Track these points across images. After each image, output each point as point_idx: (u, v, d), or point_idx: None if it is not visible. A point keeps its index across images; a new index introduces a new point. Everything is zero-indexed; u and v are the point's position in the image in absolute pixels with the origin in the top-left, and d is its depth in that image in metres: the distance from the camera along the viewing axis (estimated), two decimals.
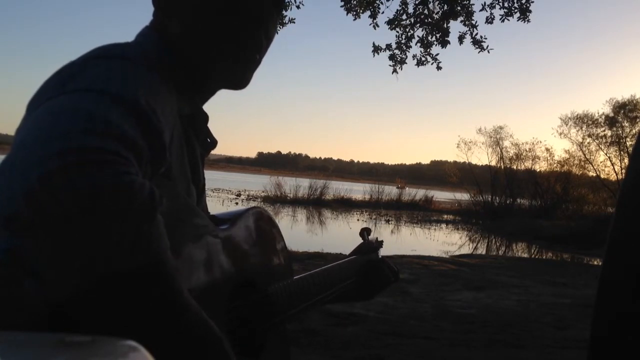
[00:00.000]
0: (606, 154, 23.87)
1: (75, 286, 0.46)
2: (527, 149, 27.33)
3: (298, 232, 15.40)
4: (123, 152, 0.50)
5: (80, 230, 0.46)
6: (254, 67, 0.80)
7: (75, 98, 0.55)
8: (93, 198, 0.46)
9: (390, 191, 33.06)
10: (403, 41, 8.52)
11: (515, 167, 27.56)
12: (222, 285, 0.72)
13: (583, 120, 24.23)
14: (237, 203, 23.93)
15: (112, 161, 0.49)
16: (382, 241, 1.39)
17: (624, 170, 20.56)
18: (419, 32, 8.45)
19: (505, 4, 8.06)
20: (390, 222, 21.59)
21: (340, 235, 15.87)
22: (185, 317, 0.52)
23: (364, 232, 1.36)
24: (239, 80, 0.79)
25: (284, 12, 7.88)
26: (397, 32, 8.50)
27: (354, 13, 8.24)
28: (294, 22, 8.03)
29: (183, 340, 0.52)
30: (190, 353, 0.53)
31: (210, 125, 0.84)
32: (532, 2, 7.91)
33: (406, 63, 8.61)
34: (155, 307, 0.50)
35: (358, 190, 33.84)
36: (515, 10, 8.01)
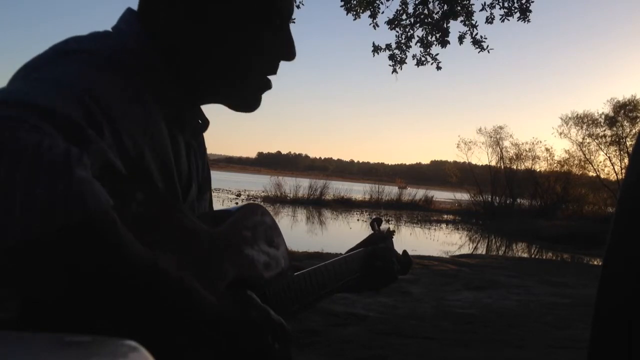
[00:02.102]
0: (606, 154, 23.93)
1: None
2: (527, 149, 27.40)
3: (298, 232, 15.40)
4: (32, 120, 0.48)
5: None
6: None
7: (17, 83, 0.56)
8: None
9: (390, 191, 33.08)
10: (403, 41, 8.53)
11: (515, 167, 27.61)
12: (211, 285, 0.71)
13: (583, 120, 24.28)
14: (237, 203, 23.81)
15: (12, 125, 0.47)
16: (393, 231, 1.34)
17: (624, 170, 20.57)
18: (419, 32, 8.47)
19: (505, 4, 8.07)
20: (390, 222, 21.59)
21: (340, 235, 15.86)
22: (127, 272, 0.50)
23: (375, 223, 1.29)
24: (255, 104, 0.80)
25: None
26: (397, 32, 8.52)
27: (354, 13, 8.25)
28: (294, 22, 8.02)
29: (130, 295, 0.51)
30: (142, 305, 0.52)
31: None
32: (532, 2, 7.92)
33: (406, 63, 8.63)
34: (91, 266, 0.48)
35: (358, 190, 33.84)
36: (515, 10, 8.02)
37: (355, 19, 8.26)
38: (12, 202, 0.44)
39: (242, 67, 0.76)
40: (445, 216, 28.62)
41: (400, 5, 8.42)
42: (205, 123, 0.83)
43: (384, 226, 1.32)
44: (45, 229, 0.44)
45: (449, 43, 8.18)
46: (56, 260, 0.46)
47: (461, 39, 8.28)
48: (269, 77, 0.79)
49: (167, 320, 0.55)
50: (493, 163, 27.91)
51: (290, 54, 0.79)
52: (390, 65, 8.60)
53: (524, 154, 27.43)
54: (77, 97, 0.54)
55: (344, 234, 16.34)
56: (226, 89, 0.78)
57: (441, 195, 38.10)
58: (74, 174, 0.46)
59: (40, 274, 0.47)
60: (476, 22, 8.22)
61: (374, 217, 1.33)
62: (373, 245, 1.23)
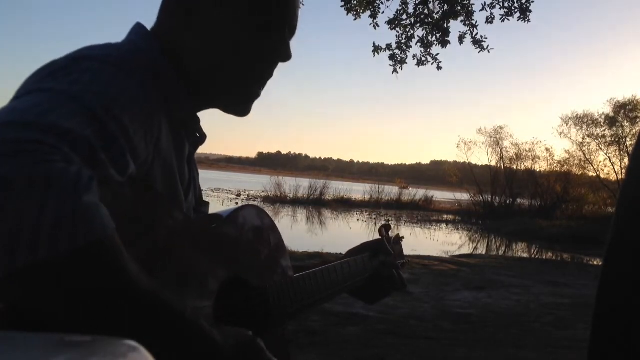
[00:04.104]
0: (606, 154, 23.90)
1: (2, 274, 0.45)
2: (527, 149, 27.35)
3: (298, 232, 15.39)
4: (48, 140, 0.50)
5: None
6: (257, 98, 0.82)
7: (31, 97, 0.56)
8: (2, 190, 0.45)
9: (390, 191, 33.05)
10: (403, 41, 8.53)
11: (515, 167, 27.56)
12: (208, 284, 0.71)
13: (583, 120, 24.26)
14: (237, 203, 23.90)
15: (28, 149, 0.48)
16: (402, 237, 1.30)
17: (624, 170, 20.56)
18: (419, 32, 8.47)
19: (505, 4, 8.07)
20: (390, 222, 21.52)
21: (340, 235, 15.86)
22: (130, 295, 0.51)
23: (383, 229, 1.25)
24: (244, 110, 0.82)
25: None
26: (397, 32, 8.51)
27: (354, 13, 8.24)
28: None
29: (132, 318, 0.51)
30: (142, 329, 0.52)
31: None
32: (532, 2, 7.92)
33: (406, 63, 8.62)
34: (93, 290, 0.49)
35: (358, 190, 33.82)
36: (515, 10, 8.01)
37: (355, 19, 8.26)
38: (22, 225, 0.45)
39: (243, 71, 0.77)
40: (445, 216, 28.60)
41: (400, 5, 8.42)
42: (202, 137, 0.84)
43: (392, 233, 1.29)
44: (51, 252, 0.46)
45: (449, 43, 8.17)
46: (61, 282, 0.48)
47: (461, 39, 8.28)
48: (263, 82, 0.81)
49: (162, 348, 0.53)
50: (493, 163, 27.90)
51: (286, 56, 0.80)
52: (390, 65, 8.60)
53: (524, 154, 27.42)
54: (91, 112, 0.56)
55: (344, 234, 16.34)
56: (224, 94, 0.79)
57: (441, 195, 38.07)
58: (83, 200, 0.48)
59: (44, 295, 0.48)
60: (476, 22, 8.23)
61: (382, 223, 1.29)
62: (380, 251, 1.20)
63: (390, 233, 1.28)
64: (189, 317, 0.56)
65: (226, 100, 0.81)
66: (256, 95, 0.81)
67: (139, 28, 0.77)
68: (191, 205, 0.81)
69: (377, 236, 1.26)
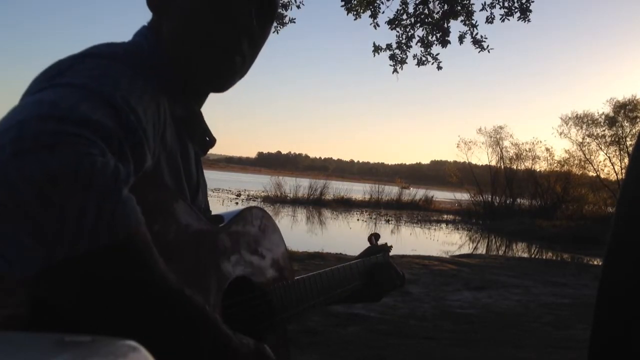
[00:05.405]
0: (606, 154, 23.90)
1: (41, 268, 0.46)
2: (527, 149, 27.36)
3: (298, 232, 15.40)
4: (85, 134, 0.50)
5: (37, 216, 0.45)
6: (236, 73, 0.78)
7: (51, 91, 0.56)
8: (47, 183, 0.46)
9: (390, 191, 33.05)
10: (403, 41, 8.52)
11: (515, 167, 27.57)
12: (215, 282, 0.72)
13: (583, 120, 24.25)
14: (237, 203, 23.91)
15: (69, 142, 0.48)
16: (391, 246, 1.40)
17: (624, 170, 20.55)
18: (419, 32, 8.46)
19: (506, 4, 8.07)
20: (390, 222, 21.57)
21: (340, 235, 15.86)
22: (159, 292, 0.52)
23: (372, 237, 1.36)
24: (218, 83, 0.78)
25: (284, 12, 7.88)
26: (398, 32, 8.51)
27: (355, 13, 8.24)
28: (294, 22, 8.02)
29: (159, 317, 0.53)
30: (168, 328, 0.54)
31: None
32: (533, 1, 7.92)
33: (406, 63, 8.62)
34: (128, 284, 0.50)
35: (358, 190, 33.82)
36: (516, 10, 8.01)
37: (355, 19, 8.26)
38: (65, 219, 0.46)
39: (223, 45, 0.75)
40: (445, 216, 28.60)
41: (400, 5, 8.41)
42: (212, 141, 0.84)
43: (381, 242, 1.38)
44: (92, 246, 0.47)
45: (450, 43, 8.17)
46: (97, 275, 0.49)
47: (461, 38, 8.27)
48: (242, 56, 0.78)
49: (181, 340, 0.55)
50: (493, 163, 27.91)
51: (248, 20, 0.76)
52: (390, 65, 8.59)
53: (524, 154, 27.42)
54: (112, 105, 0.56)
55: (344, 234, 16.34)
56: (202, 73, 0.76)
57: (441, 195, 38.06)
58: (122, 195, 0.49)
59: (79, 288, 0.49)
60: (476, 21, 8.22)
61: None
62: (371, 258, 1.27)
63: (379, 242, 1.38)
64: (210, 316, 0.58)
65: (206, 79, 0.77)
66: (232, 64, 0.76)
67: (144, 29, 0.77)
68: (200, 207, 0.81)
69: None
